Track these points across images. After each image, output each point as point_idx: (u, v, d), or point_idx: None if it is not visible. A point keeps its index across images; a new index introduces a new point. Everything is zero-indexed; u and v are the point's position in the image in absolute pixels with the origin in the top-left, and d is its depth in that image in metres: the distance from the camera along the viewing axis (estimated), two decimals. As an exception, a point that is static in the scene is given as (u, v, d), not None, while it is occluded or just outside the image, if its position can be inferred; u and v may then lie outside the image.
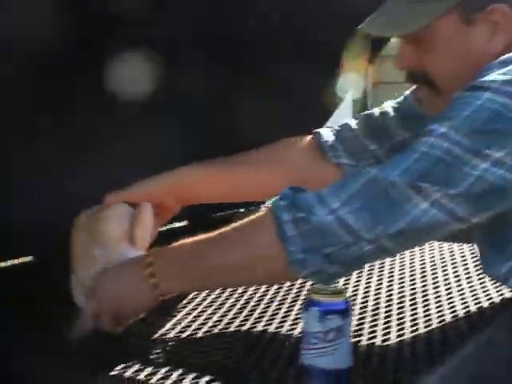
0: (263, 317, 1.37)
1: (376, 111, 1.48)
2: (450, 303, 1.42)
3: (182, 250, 1.22)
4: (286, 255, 1.12)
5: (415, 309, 1.39)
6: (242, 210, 2.17)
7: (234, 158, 1.45)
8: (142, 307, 1.25)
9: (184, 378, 1.11)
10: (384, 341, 1.25)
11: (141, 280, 1.21)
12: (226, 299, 1.47)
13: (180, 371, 1.13)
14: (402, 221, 1.09)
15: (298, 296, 1.47)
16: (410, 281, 1.57)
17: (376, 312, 1.38)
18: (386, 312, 1.38)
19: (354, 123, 1.48)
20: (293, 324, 1.33)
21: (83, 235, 1.35)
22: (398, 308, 1.40)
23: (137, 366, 1.14)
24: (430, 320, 1.33)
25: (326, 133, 1.48)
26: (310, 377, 1.08)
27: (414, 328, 1.30)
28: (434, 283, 1.55)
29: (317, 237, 1.10)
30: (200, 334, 1.30)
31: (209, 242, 1.20)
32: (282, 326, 1.32)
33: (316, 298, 1.08)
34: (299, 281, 1.52)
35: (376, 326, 1.31)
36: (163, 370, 1.13)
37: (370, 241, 1.09)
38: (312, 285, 1.42)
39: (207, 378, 1.10)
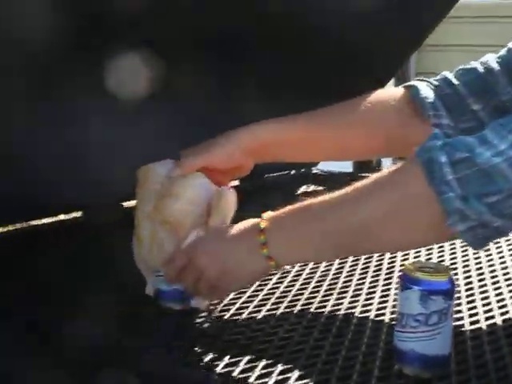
0: (342, 293, 1.29)
1: (478, 66, 1.29)
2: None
3: (304, 213, 1.08)
4: (442, 203, 0.96)
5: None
6: (293, 172, 2.08)
7: (317, 114, 1.29)
8: (249, 279, 1.15)
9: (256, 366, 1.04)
10: (472, 322, 1.17)
11: (251, 248, 1.08)
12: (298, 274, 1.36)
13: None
14: None
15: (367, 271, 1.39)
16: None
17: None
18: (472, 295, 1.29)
19: (452, 77, 1.30)
20: (366, 303, 1.25)
21: (150, 205, 1.20)
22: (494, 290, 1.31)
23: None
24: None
25: (423, 87, 1.29)
26: (407, 362, 0.99)
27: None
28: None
29: (482, 181, 0.95)
30: (280, 311, 1.21)
31: (336, 200, 1.05)
32: (356, 304, 1.24)
33: (417, 276, 0.97)
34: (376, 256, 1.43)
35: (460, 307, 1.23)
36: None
37: None
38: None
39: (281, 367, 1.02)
